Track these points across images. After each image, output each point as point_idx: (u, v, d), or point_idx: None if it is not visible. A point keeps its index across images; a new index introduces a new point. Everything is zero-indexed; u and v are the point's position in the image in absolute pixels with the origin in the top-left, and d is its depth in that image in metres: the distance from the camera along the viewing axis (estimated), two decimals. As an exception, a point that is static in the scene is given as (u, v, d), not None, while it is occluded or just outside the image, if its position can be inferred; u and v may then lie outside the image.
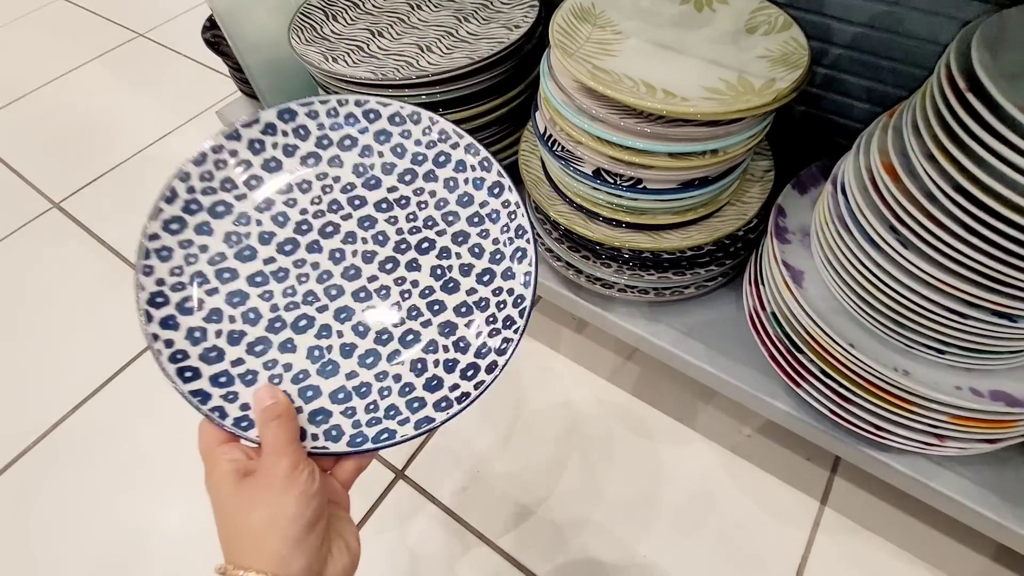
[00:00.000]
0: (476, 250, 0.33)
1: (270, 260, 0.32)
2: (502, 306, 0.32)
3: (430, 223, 0.33)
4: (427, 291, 0.32)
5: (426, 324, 0.32)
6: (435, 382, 0.30)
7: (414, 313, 0.32)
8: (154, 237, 0.30)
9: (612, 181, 0.42)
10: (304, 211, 0.33)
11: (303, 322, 0.31)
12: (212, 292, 0.31)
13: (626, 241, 0.45)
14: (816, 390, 0.42)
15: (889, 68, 0.51)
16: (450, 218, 0.33)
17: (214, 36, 0.73)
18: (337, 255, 0.33)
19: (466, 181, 0.34)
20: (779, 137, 0.60)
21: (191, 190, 0.31)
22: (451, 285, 0.32)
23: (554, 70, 0.42)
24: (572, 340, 0.63)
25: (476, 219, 0.33)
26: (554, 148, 0.43)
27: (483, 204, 0.33)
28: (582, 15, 0.43)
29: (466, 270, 0.33)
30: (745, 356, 0.46)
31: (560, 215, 0.47)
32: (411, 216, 0.33)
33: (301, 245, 0.32)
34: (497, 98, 0.51)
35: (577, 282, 0.50)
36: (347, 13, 0.56)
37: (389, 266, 0.32)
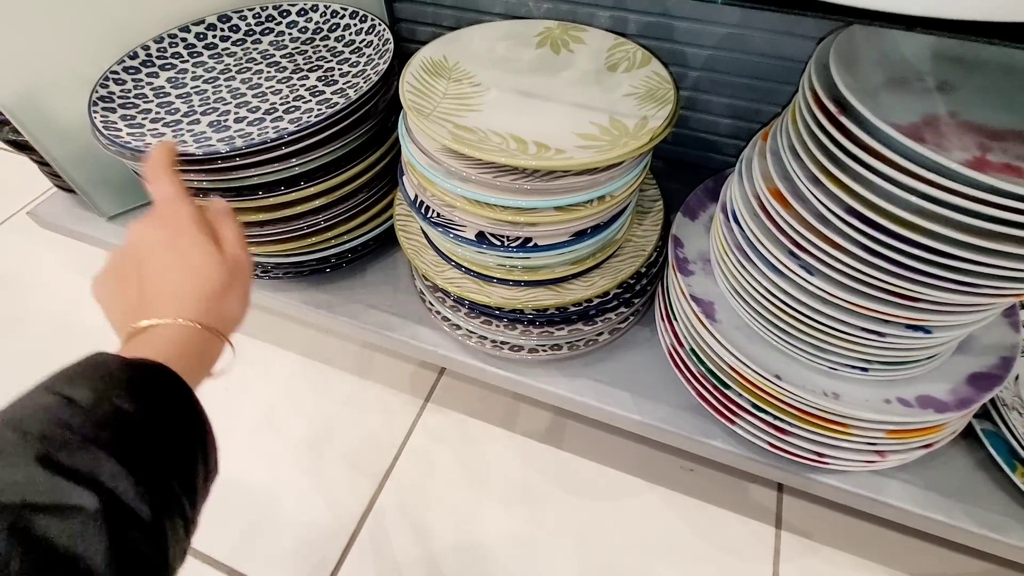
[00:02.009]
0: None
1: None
2: None
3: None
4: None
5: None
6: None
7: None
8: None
9: (499, 243, 0.37)
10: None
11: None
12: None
13: (527, 301, 0.40)
14: (751, 424, 0.39)
15: (743, 84, 0.52)
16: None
17: (12, 132, 0.60)
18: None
19: None
20: (656, 160, 0.61)
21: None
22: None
23: (413, 133, 0.37)
24: (489, 401, 0.57)
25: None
26: (429, 215, 0.38)
27: None
28: (434, 70, 0.39)
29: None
30: (674, 397, 0.43)
31: (450, 282, 0.41)
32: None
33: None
34: (359, 162, 0.45)
35: (483, 350, 0.45)
36: (158, 77, 0.47)
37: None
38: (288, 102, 0.44)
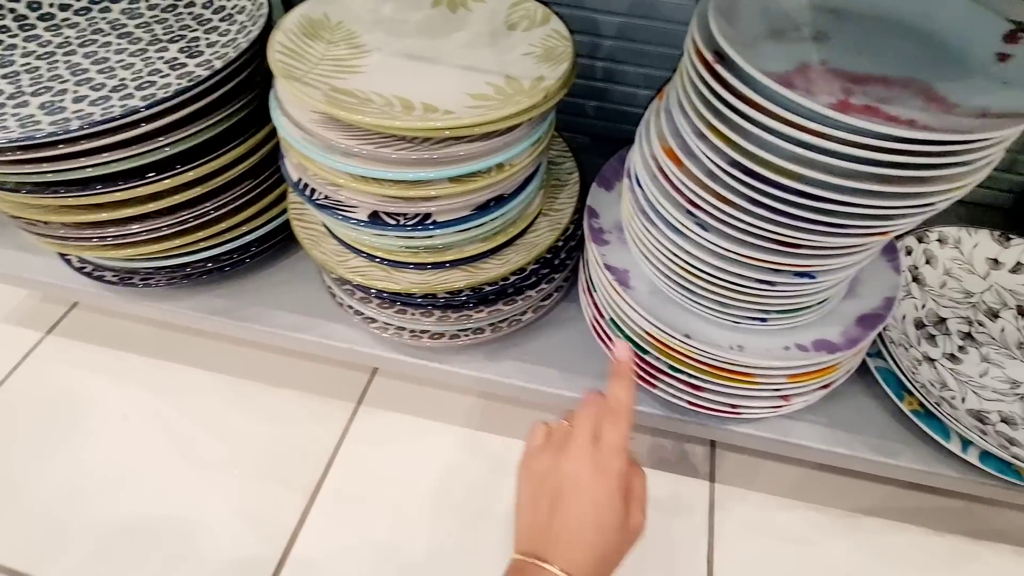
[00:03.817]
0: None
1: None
2: None
3: None
4: None
5: None
6: None
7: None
8: None
9: (395, 222, 0.35)
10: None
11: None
12: None
13: (438, 284, 0.38)
14: (669, 385, 0.40)
15: (656, 54, 0.52)
16: None
17: None
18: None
19: None
20: (580, 135, 0.60)
21: None
22: None
23: (283, 103, 0.33)
24: (425, 397, 0.55)
25: None
26: (315, 197, 0.35)
27: None
28: (312, 31, 0.36)
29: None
30: (600, 369, 0.43)
31: (355, 272, 0.39)
32: None
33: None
34: (239, 144, 0.41)
35: (402, 341, 0.43)
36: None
37: None
38: (141, 77, 0.39)
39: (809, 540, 0.47)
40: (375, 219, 0.35)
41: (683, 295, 0.36)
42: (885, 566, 0.46)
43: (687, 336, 0.36)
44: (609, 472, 0.31)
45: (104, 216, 0.40)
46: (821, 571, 0.45)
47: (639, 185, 0.35)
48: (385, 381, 0.54)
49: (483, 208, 0.36)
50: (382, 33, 0.36)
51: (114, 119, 0.35)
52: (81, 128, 0.34)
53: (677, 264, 0.35)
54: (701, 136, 0.30)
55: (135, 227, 0.42)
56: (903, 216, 0.29)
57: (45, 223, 0.42)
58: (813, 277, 0.33)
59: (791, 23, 0.31)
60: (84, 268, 0.48)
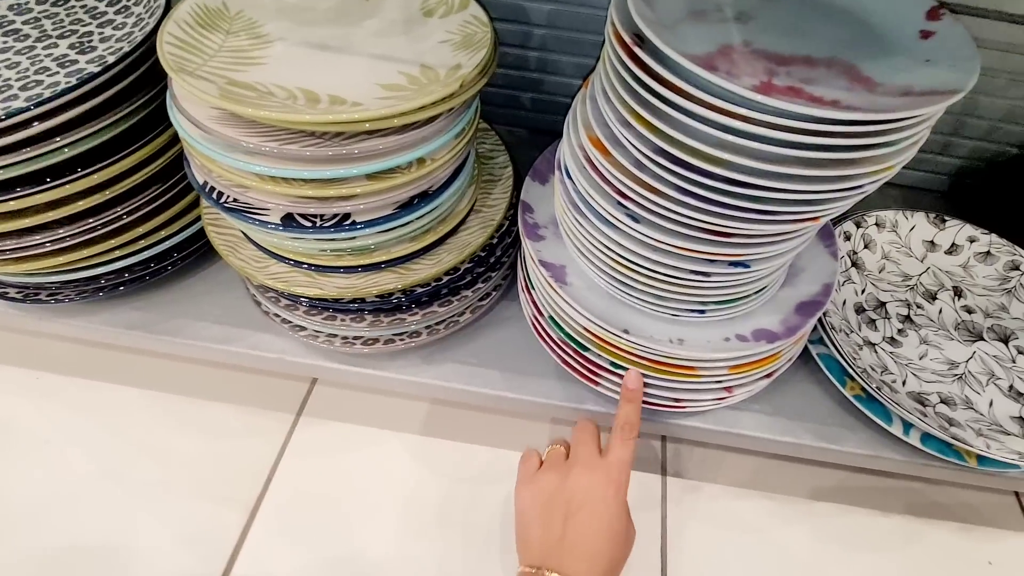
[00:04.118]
0: None
1: None
2: None
3: None
4: None
5: None
6: None
7: None
8: None
9: (312, 224, 0.32)
10: None
11: None
12: None
13: (367, 287, 0.36)
14: (612, 383, 0.39)
15: (589, 42, 0.51)
16: None
17: None
18: None
19: None
20: (518, 128, 0.58)
21: None
22: None
23: (179, 99, 0.31)
24: (369, 404, 0.53)
25: None
26: (223, 201, 0.32)
27: None
28: (209, 20, 0.33)
29: None
30: (542, 368, 0.42)
31: (276, 278, 0.36)
32: None
33: None
34: (142, 146, 0.37)
35: (333, 349, 0.40)
36: None
37: None
38: (28, 77, 0.35)
39: (762, 528, 0.47)
40: (290, 221, 0.32)
41: (619, 289, 0.35)
42: (838, 549, 0.46)
43: (626, 331, 0.35)
44: (620, 484, 0.34)
45: (0, 228, 0.37)
46: (774, 558, 0.45)
47: (569, 177, 0.34)
48: (327, 390, 0.52)
49: (407, 206, 0.33)
50: (287, 21, 0.33)
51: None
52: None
53: (611, 258, 0.33)
54: (626, 124, 0.29)
55: (36, 238, 0.39)
56: (833, 200, 0.28)
57: (-70, 237, 0.38)
58: (748, 266, 0.32)
59: (713, 3, 0.30)
60: (-17, 284, 0.44)
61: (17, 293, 0.43)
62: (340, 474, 0.47)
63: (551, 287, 0.36)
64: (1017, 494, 0.50)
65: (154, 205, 0.41)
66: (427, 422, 0.50)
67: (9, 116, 0.32)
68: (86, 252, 0.40)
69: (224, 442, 0.49)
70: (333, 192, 0.30)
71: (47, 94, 0.34)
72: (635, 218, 0.31)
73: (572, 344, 0.38)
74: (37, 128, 0.34)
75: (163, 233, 0.43)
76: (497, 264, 0.42)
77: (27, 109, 0.33)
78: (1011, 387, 0.44)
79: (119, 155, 0.37)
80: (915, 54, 0.29)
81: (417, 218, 0.34)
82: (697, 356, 0.34)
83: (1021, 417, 0.43)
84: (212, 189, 0.33)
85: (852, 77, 0.27)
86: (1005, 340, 0.47)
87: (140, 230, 0.41)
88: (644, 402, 0.39)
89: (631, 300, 0.35)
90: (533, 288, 0.40)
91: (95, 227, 0.39)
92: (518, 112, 0.57)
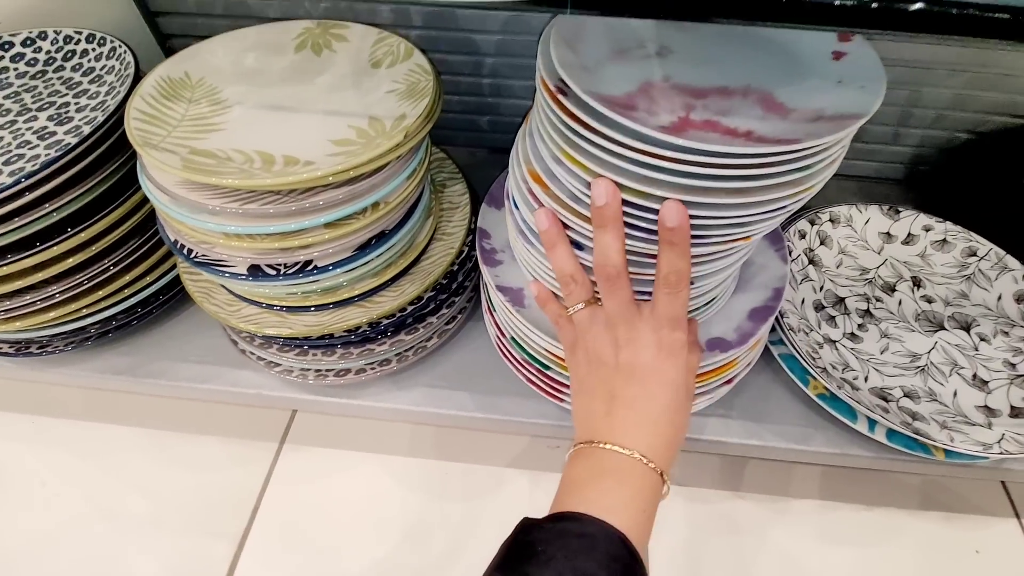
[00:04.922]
0: None
1: None
2: None
3: None
4: None
5: None
6: None
7: None
8: None
9: (276, 272, 0.34)
10: None
11: None
12: None
13: (334, 324, 0.38)
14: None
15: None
16: None
17: None
18: None
19: None
20: (478, 149, 0.60)
21: None
22: None
23: (147, 168, 0.33)
24: (349, 428, 0.55)
25: None
26: (192, 256, 0.35)
27: None
28: (172, 91, 0.35)
29: None
30: (510, 387, 0.43)
31: (247, 321, 0.38)
32: None
33: None
34: (119, 205, 0.40)
35: (309, 382, 0.42)
36: None
37: None
38: (10, 151, 0.38)
39: (743, 529, 0.47)
40: (256, 271, 0.34)
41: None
42: (822, 547, 0.46)
43: (583, 351, 0.36)
44: (674, 348, 0.30)
45: (-10, 292, 0.39)
46: (757, 559, 0.45)
47: (516, 207, 0.35)
48: (308, 417, 0.54)
49: (365, 247, 0.35)
50: (244, 85, 0.35)
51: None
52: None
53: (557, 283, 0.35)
54: (558, 161, 0.30)
55: (27, 297, 0.41)
56: (758, 222, 0.30)
57: (-76, 303, 0.40)
58: (691, 283, 0.34)
59: (635, 40, 0.32)
60: (-22, 342, 0.46)
61: (9, 348, 0.46)
62: (324, 500, 0.49)
63: (509, 311, 0.38)
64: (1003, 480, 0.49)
65: (135, 256, 0.43)
66: (408, 443, 0.52)
67: (2, 190, 0.35)
68: (74, 306, 0.42)
69: (211, 474, 0.51)
70: (295, 243, 0.32)
71: (28, 167, 0.36)
72: (578, 245, 0.33)
73: (535, 363, 0.40)
74: (28, 198, 0.36)
75: (146, 280, 0.45)
76: (460, 289, 0.44)
77: (18, 183, 0.34)
78: (975, 376, 0.45)
79: (103, 212, 0.39)
80: (828, 75, 0.30)
81: (376, 256, 0.36)
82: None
83: (987, 406, 0.43)
84: (182, 246, 0.35)
85: (766, 105, 0.29)
86: (967, 328, 0.48)
87: (124, 279, 0.43)
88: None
89: (585, 321, 0.37)
90: (495, 310, 0.41)
91: (82, 282, 0.41)
92: (477, 134, 0.60)
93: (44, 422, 0.54)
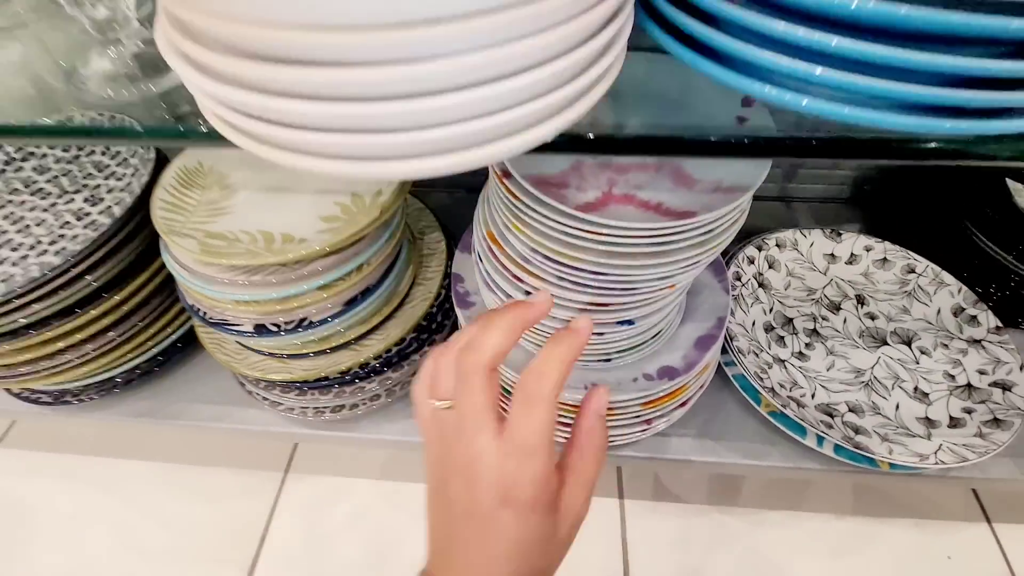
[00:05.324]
0: None
1: None
2: None
3: None
4: None
5: None
6: None
7: None
8: None
9: (277, 329, 0.40)
10: None
11: None
12: None
13: (328, 368, 0.44)
14: (550, 424, 0.45)
15: None
16: None
17: None
18: None
19: None
20: (457, 189, 0.64)
21: None
22: None
23: (169, 246, 0.39)
24: (349, 456, 0.59)
25: None
26: (207, 317, 0.41)
27: None
28: (189, 180, 0.41)
29: None
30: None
31: (253, 367, 0.44)
32: None
33: None
34: (147, 269, 0.46)
35: (308, 419, 0.48)
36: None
37: None
38: (53, 232, 0.44)
39: (722, 541, 0.50)
40: (261, 329, 0.40)
41: (534, 349, 0.42)
42: (795, 558, 0.48)
43: (546, 384, 0.41)
44: (516, 495, 0.21)
45: (34, 354, 0.45)
46: (739, 570, 0.48)
47: (480, 260, 0.41)
48: (309, 446, 0.59)
49: (352, 302, 0.41)
50: (247, 170, 0.42)
51: (43, 280, 0.40)
52: (7, 294, 0.39)
53: (522, 327, 0.40)
54: (507, 227, 0.36)
55: (66, 356, 0.47)
56: (677, 274, 0.35)
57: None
58: (633, 323, 0.39)
59: (571, 122, 0.38)
60: (22, 394, 0.53)
61: (49, 399, 0.52)
62: (328, 525, 0.54)
63: (483, 351, 0.43)
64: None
65: (159, 311, 0.49)
66: (405, 468, 0.57)
67: (53, 271, 0.41)
68: (105, 360, 0.48)
69: (222, 504, 0.55)
70: (292, 305, 0.38)
71: (70, 247, 0.42)
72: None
73: (506, 394, 0.45)
74: (72, 274, 0.42)
75: (167, 332, 0.51)
76: (440, 328, 0.49)
77: (66, 261, 0.41)
78: (916, 388, 0.49)
79: (131, 277, 0.45)
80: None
81: (363, 308, 0.42)
82: (612, 397, 0.41)
83: (927, 417, 0.46)
84: (198, 309, 0.41)
85: (676, 178, 0.34)
86: (908, 342, 0.52)
87: (148, 333, 0.49)
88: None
89: (547, 357, 0.42)
90: (473, 350, 0.47)
91: (113, 338, 0.48)
92: (456, 175, 0.65)
93: (71, 459, 0.59)
